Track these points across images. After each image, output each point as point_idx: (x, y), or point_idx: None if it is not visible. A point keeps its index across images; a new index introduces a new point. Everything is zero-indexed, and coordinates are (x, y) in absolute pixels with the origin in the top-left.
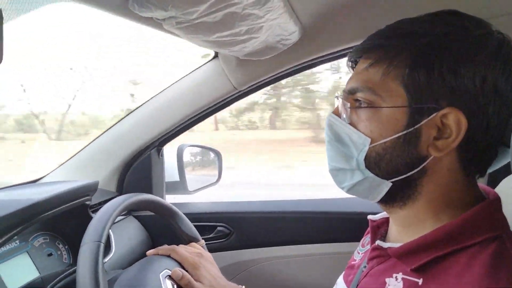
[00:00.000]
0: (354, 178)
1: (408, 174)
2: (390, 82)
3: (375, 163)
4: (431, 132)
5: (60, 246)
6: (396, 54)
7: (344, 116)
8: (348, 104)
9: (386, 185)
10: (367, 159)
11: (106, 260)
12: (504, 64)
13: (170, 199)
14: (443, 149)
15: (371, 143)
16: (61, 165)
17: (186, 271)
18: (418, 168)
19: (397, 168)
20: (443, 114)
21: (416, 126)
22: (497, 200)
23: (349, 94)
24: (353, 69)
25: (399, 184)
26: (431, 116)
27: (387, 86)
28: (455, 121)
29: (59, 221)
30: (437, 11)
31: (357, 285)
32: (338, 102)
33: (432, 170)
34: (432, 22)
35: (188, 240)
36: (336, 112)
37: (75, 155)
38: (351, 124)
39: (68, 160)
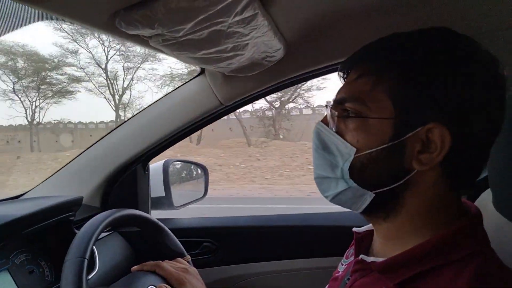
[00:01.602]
0: (338, 187)
1: (392, 186)
2: (378, 93)
3: (359, 173)
4: (416, 146)
5: (43, 263)
6: (386, 68)
7: (332, 125)
8: (336, 113)
9: (369, 196)
10: (351, 168)
11: (90, 276)
12: (492, 82)
13: (156, 215)
14: (426, 163)
15: (356, 152)
16: (45, 180)
17: (172, 286)
18: (402, 181)
19: (380, 180)
20: (428, 128)
21: (401, 139)
22: (478, 216)
23: (338, 104)
24: (344, 80)
25: (383, 195)
26: (416, 130)
27: (375, 97)
28: (439, 136)
29: (42, 237)
30: (429, 27)
31: None
32: (327, 111)
33: (416, 184)
34: (422, 37)
35: (173, 255)
36: (325, 121)
37: (59, 170)
38: (338, 133)
39: (52, 175)
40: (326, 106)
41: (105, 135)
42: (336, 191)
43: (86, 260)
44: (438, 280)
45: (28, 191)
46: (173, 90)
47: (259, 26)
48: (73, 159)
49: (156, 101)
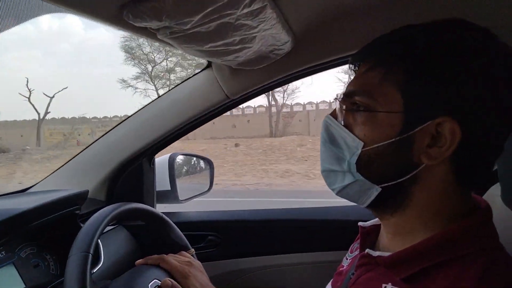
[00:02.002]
0: (345, 180)
1: (399, 180)
2: (387, 87)
3: (366, 166)
4: (425, 140)
5: (48, 256)
6: (396, 60)
7: (341, 119)
8: (344, 107)
9: (376, 190)
10: (359, 162)
11: (94, 270)
12: (507, 75)
13: (161, 209)
14: (435, 158)
15: (364, 146)
16: (51, 174)
17: (176, 280)
18: (409, 175)
19: (387, 174)
20: (438, 122)
21: (410, 133)
22: (488, 211)
23: (347, 97)
24: (355, 73)
25: (390, 190)
26: (426, 124)
27: (384, 91)
28: (449, 130)
29: (47, 231)
30: (442, 19)
31: None
32: (336, 104)
33: (424, 178)
34: (435, 30)
35: (178, 249)
36: (334, 114)
37: (65, 164)
38: (346, 126)
39: (58, 169)
40: (336, 99)
41: (111, 129)
42: (343, 184)
43: (90, 255)
44: (445, 275)
45: (34, 185)
46: (180, 83)
47: (267, 19)
48: (79, 152)
49: (162, 94)
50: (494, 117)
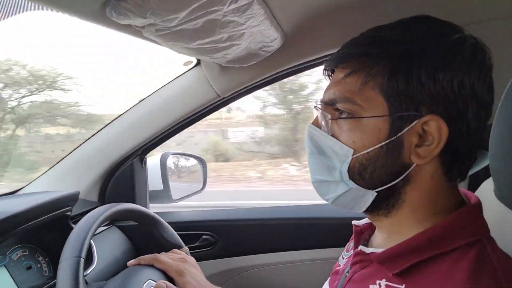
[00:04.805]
0: (338, 190)
1: (392, 183)
2: (369, 91)
3: (359, 173)
4: (413, 140)
5: (40, 258)
6: (374, 63)
7: (325, 127)
8: (329, 116)
9: (371, 195)
10: (350, 170)
11: (88, 271)
12: (479, 68)
13: (155, 209)
14: (425, 157)
15: (354, 153)
16: (41, 175)
17: (171, 278)
18: (402, 177)
19: (381, 178)
20: (424, 121)
21: (398, 135)
22: (477, 205)
23: (328, 104)
24: (329, 78)
25: (384, 193)
26: (412, 124)
27: (366, 96)
28: (436, 128)
29: (39, 233)
30: (410, 17)
31: None
32: (317, 113)
33: (415, 177)
34: (407, 28)
35: (171, 248)
36: (316, 123)
37: (56, 164)
38: (332, 135)
39: (48, 170)
40: (315, 107)
41: (102, 128)
42: (336, 194)
43: (82, 259)
44: (436, 270)
45: (24, 187)
46: (169, 82)
47: (255, 15)
48: (69, 153)
49: (152, 93)
50: (473, 108)
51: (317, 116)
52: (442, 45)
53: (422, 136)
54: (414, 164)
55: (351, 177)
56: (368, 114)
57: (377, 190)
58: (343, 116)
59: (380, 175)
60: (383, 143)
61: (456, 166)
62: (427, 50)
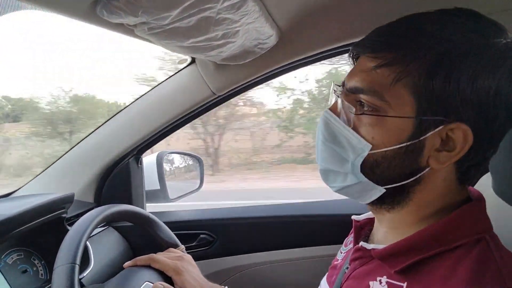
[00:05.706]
0: (346, 181)
1: (403, 182)
2: (400, 88)
3: (371, 168)
4: (435, 144)
5: (36, 262)
6: (412, 59)
7: (344, 117)
8: (354, 109)
9: (379, 191)
10: (363, 164)
11: (84, 274)
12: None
13: (152, 208)
14: (444, 162)
15: (371, 149)
16: (35, 177)
17: (169, 278)
18: (414, 178)
19: (393, 176)
20: (450, 128)
21: (420, 138)
22: (481, 201)
23: (351, 92)
24: (354, 63)
25: (392, 190)
26: (438, 129)
27: (396, 93)
28: (462, 135)
29: (35, 235)
30: (452, 9)
31: (340, 287)
32: (337, 98)
33: (427, 179)
34: (450, 23)
35: (167, 246)
36: (334, 110)
37: (50, 166)
38: (352, 127)
39: (43, 171)
40: (334, 91)
41: (96, 128)
42: (344, 185)
43: (77, 266)
44: (439, 268)
45: (18, 189)
46: (163, 80)
47: (249, 12)
48: (63, 154)
49: (146, 92)
50: (502, 119)
51: (335, 102)
52: (489, 50)
53: (444, 141)
54: (430, 167)
55: (362, 170)
56: (394, 113)
57: (387, 187)
58: (365, 109)
59: (392, 173)
60: (403, 145)
61: (472, 173)
62: (471, 53)
